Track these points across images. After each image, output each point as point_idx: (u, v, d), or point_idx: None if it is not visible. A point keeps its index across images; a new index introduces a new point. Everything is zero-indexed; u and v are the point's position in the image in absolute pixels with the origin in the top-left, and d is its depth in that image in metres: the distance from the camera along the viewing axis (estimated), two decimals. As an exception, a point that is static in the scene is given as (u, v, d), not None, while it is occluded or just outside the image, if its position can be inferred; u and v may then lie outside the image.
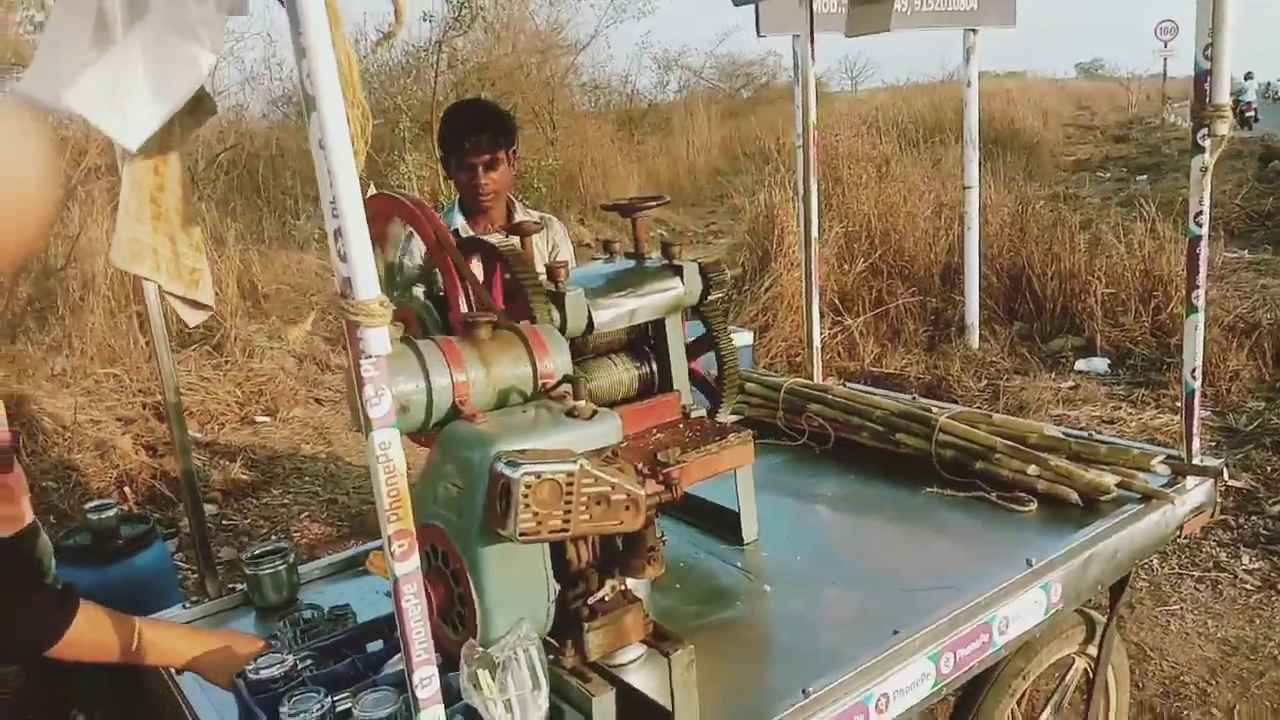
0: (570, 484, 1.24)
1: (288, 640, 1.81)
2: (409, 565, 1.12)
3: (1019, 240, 7.38)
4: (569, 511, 1.25)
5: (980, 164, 6.80)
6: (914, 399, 2.89)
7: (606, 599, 1.42)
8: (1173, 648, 3.47)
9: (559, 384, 1.51)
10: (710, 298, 2.20)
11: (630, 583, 1.71)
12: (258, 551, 2.13)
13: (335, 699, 1.46)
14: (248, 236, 9.02)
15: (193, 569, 4.13)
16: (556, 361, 1.56)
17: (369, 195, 2.08)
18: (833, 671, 1.62)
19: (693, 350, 2.25)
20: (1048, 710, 2.44)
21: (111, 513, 3.22)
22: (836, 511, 2.40)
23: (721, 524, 2.27)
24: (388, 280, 2.09)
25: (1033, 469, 2.30)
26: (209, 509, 4.71)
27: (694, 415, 2.18)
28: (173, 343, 6.39)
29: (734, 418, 3.00)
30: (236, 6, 1.19)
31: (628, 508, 1.29)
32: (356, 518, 4.87)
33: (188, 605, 2.12)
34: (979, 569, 1.96)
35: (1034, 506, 2.26)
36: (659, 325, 2.15)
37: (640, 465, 1.43)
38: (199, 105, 1.88)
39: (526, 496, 1.22)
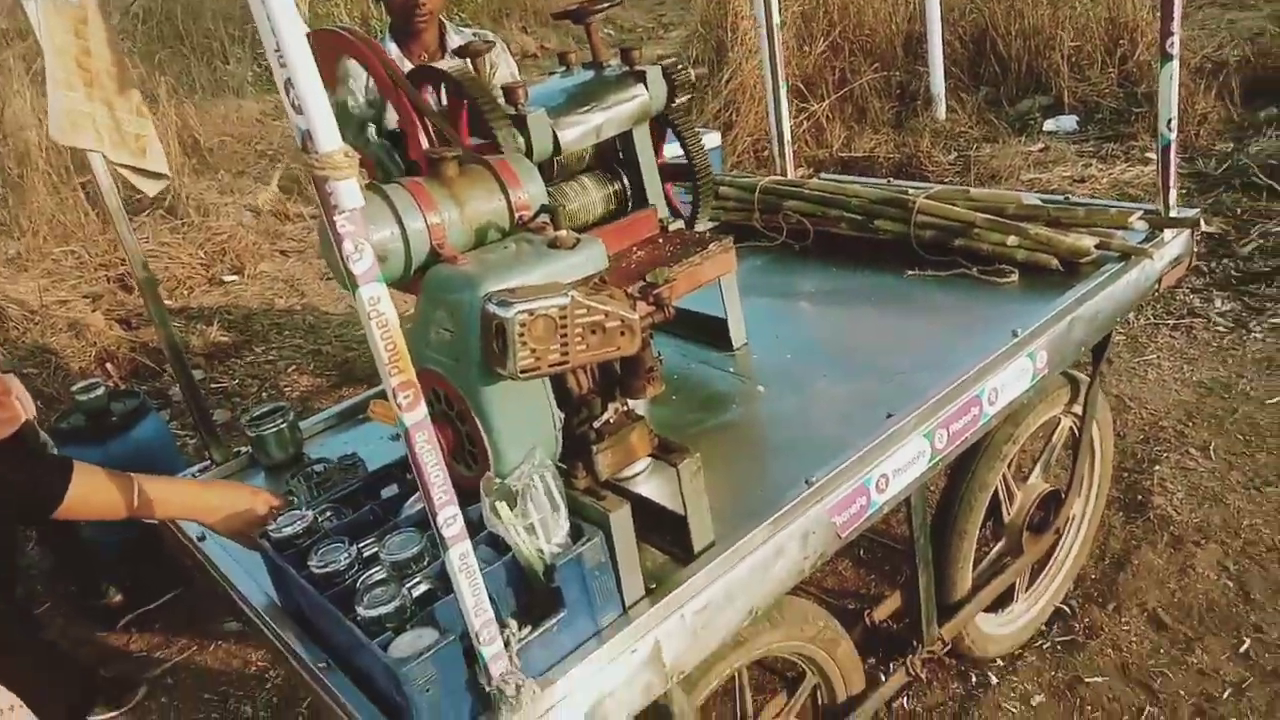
0: (564, 317, 1.24)
1: (303, 495, 1.85)
2: (417, 415, 1.13)
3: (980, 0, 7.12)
4: (566, 344, 1.25)
5: (938, -79, 6.45)
6: (888, 182, 2.85)
7: (611, 420, 1.44)
8: (1151, 395, 3.62)
9: (536, 215, 1.47)
10: (676, 102, 2.12)
11: (631, 402, 1.74)
12: (257, 413, 2.14)
13: (360, 546, 1.51)
14: (180, 89, 8.57)
15: (190, 436, 4.18)
16: (530, 191, 1.52)
17: (316, 32, 1.95)
18: (833, 459, 1.69)
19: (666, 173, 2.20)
20: (1037, 469, 2.57)
21: (100, 391, 3.22)
22: (821, 306, 2.42)
23: (710, 332, 2.28)
24: (343, 124, 2.00)
25: (1012, 239, 2.31)
26: (195, 374, 4.71)
27: (672, 228, 2.16)
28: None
29: (710, 225, 2.98)
30: None
31: (623, 333, 1.29)
32: (343, 365, 4.89)
33: (197, 474, 2.15)
34: (966, 345, 2.01)
35: (1015, 277, 2.28)
36: (626, 138, 2.09)
37: (629, 288, 1.42)
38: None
39: (522, 335, 1.21)
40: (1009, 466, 2.38)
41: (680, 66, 2.09)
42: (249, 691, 2.94)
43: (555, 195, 2.03)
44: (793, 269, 2.62)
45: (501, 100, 1.87)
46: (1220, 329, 3.96)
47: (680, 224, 2.22)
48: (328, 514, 1.67)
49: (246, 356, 5.10)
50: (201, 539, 1.86)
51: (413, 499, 1.63)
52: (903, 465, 1.76)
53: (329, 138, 0.99)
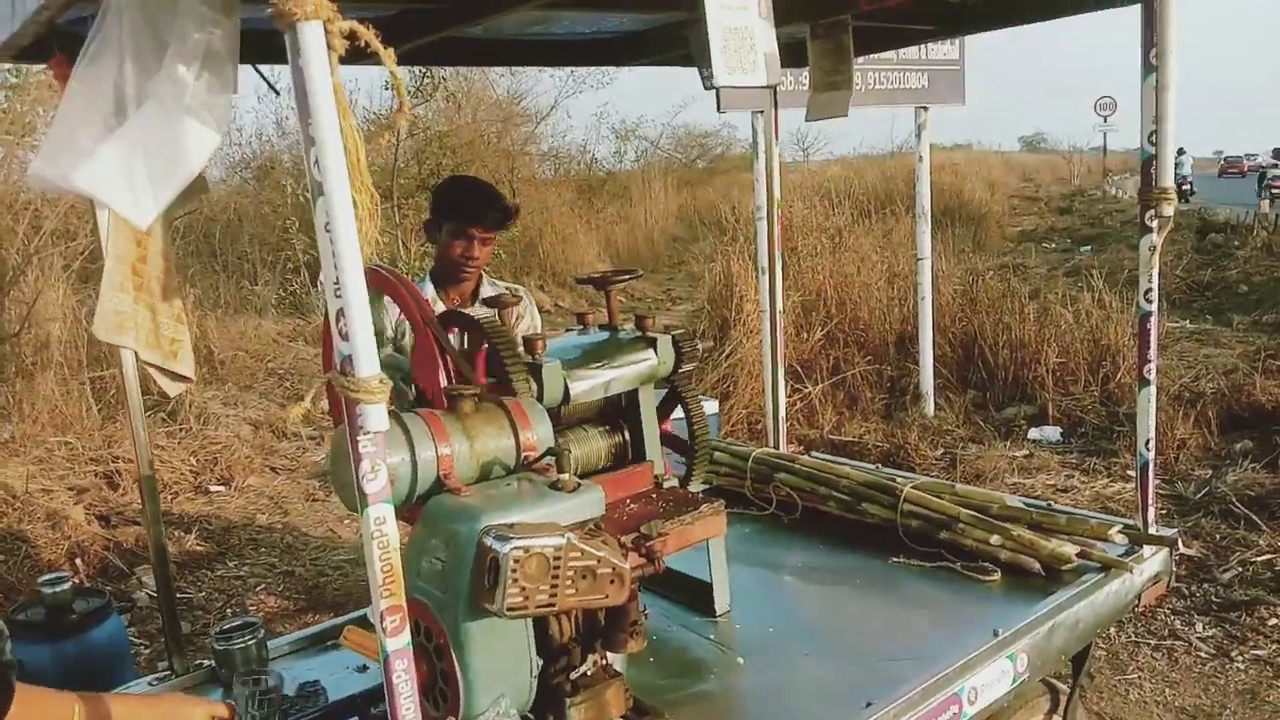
0: (558, 558, 1.26)
1: (250, 714, 1.77)
2: (400, 641, 1.13)
3: (970, 310, 7.58)
4: (556, 586, 1.27)
5: (931, 235, 7.01)
6: (878, 469, 2.94)
7: (589, 673, 1.43)
8: (1132, 717, 3.52)
9: (542, 456, 1.53)
10: (683, 369, 2.25)
11: (610, 656, 1.72)
12: (226, 627, 2.10)
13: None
14: (205, 302, 8.94)
15: (145, 645, 4.02)
16: (539, 433, 1.59)
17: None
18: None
19: (660, 412, 2.29)
20: (1015, 781, 2.46)
21: (66, 586, 3.13)
22: (806, 581, 2.43)
23: (693, 595, 2.28)
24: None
25: (996, 539, 2.36)
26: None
27: (666, 485, 2.22)
28: (120, 410, 6.30)
29: (703, 487, 3.04)
30: (228, 85, 1.23)
31: (613, 581, 1.31)
32: (314, 590, 4.78)
33: (153, 684, 2.07)
34: (947, 639, 2.00)
35: (998, 576, 2.31)
36: (632, 395, 2.19)
37: (623, 538, 1.45)
38: (191, 184, 1.91)
39: (515, 571, 1.24)
40: (987, 774, 2.29)
41: (689, 337, 2.23)
42: None
43: (561, 440, 2.11)
44: (780, 541, 2.65)
45: (521, 349, 2.00)
46: (1202, 654, 3.91)
47: (674, 482, 2.28)
48: (281, 742, 1.61)
49: (218, 569, 5.00)
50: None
51: (373, 733, 1.57)
52: (876, 757, 1.71)
53: (368, 364, 1.07)
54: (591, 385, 2.06)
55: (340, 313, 1.06)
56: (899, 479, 2.63)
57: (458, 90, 14.74)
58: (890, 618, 2.20)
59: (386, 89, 13.56)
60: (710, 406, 4.84)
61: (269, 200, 13.01)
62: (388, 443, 1.46)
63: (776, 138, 3.34)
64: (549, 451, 1.53)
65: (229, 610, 4.57)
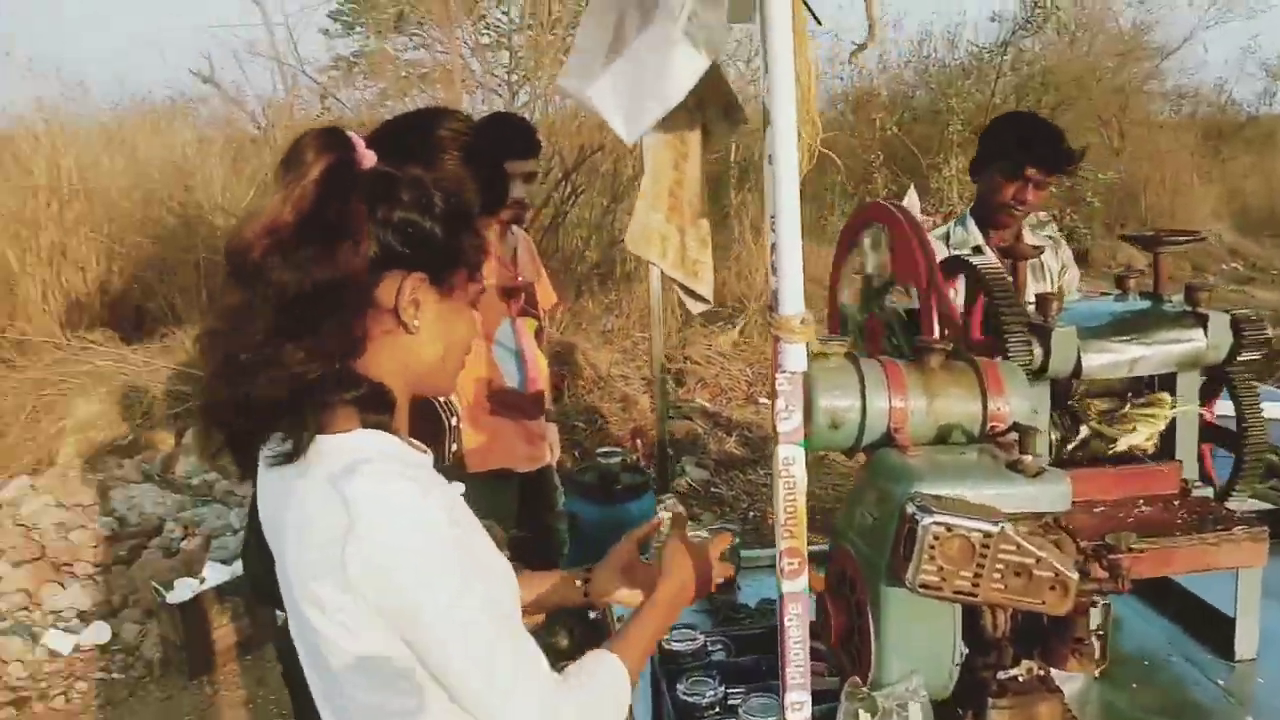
0: (986, 546, 1.13)
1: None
2: (796, 585, 1.11)
3: None
4: (980, 576, 1.14)
5: None
6: None
7: (1020, 679, 1.27)
8: None
9: (1008, 430, 1.37)
10: (1240, 358, 1.85)
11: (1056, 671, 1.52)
12: (713, 526, 2.27)
13: (729, 691, 1.51)
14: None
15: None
16: (1012, 403, 1.42)
17: (866, 202, 2.08)
18: None
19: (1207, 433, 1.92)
20: None
21: (616, 460, 3.66)
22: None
23: (1209, 627, 1.90)
24: (863, 289, 2.08)
25: None
26: (700, 474, 5.12)
27: (1195, 494, 1.86)
28: (699, 320, 7.04)
29: (1260, 506, 2.51)
30: (720, 10, 1.25)
31: (1053, 588, 1.14)
32: (826, 512, 4.95)
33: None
34: None
35: None
36: (1168, 381, 1.86)
37: (1084, 542, 1.25)
38: (730, 113, 2.02)
39: (933, 548, 1.13)
40: None
41: (1256, 320, 1.81)
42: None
43: (1064, 418, 1.88)
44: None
45: (1032, 308, 1.80)
46: None
47: (1209, 493, 1.91)
48: (719, 645, 1.70)
49: (750, 474, 5.40)
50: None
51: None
52: None
53: (792, 302, 1.04)
54: (1112, 361, 1.79)
55: (773, 246, 1.04)
56: None
57: (1072, 21, 13.47)
58: None
59: (993, 20, 12.94)
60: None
61: (860, 134, 13.30)
62: (840, 385, 1.43)
63: None
64: (1014, 426, 1.36)
65: (751, 513, 4.94)
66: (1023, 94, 13.28)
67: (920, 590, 1.16)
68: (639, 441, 5.43)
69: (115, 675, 3.63)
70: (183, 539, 4.37)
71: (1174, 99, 16.03)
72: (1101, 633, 1.32)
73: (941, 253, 2.45)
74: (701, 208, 2.15)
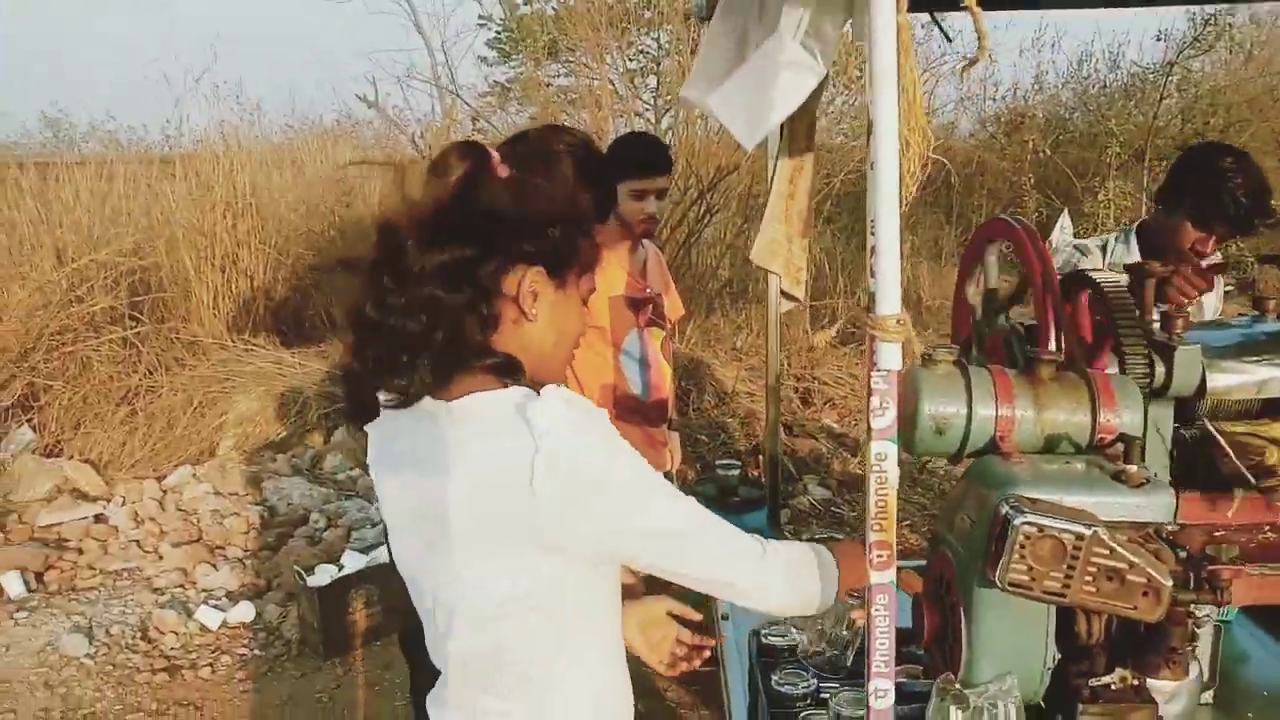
0: (1078, 549, 1.14)
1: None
2: (885, 576, 1.15)
3: None
4: (1071, 578, 1.15)
5: None
6: None
7: (1113, 687, 1.27)
8: None
9: (1115, 440, 1.37)
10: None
11: (1176, 685, 1.50)
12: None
13: (824, 683, 1.55)
14: (922, 250, 9.36)
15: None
16: (1123, 417, 1.42)
17: (994, 217, 2.08)
18: None
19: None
20: None
21: (735, 473, 3.71)
22: None
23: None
24: (985, 303, 2.08)
25: None
26: (822, 493, 5.10)
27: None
28: (833, 340, 7.02)
29: None
30: (837, 24, 1.30)
31: (1146, 594, 1.14)
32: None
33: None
34: None
35: None
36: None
37: (1186, 553, 1.24)
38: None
39: (1023, 547, 1.15)
40: None
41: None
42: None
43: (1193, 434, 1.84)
44: None
45: (1157, 325, 1.77)
46: None
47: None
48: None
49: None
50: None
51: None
52: None
53: (889, 303, 1.09)
54: (1239, 382, 1.74)
55: (872, 249, 1.09)
56: None
57: (1246, 39, 12.73)
58: None
59: (1159, 40, 12.36)
60: None
61: (1012, 155, 12.90)
62: (947, 392, 1.46)
63: None
64: (1120, 437, 1.36)
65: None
66: (1188, 116, 12.60)
67: (1009, 589, 1.18)
68: (760, 458, 5.46)
69: (257, 652, 3.90)
70: (326, 529, 4.66)
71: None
72: (1194, 645, 1.30)
73: (1098, 264, 2.38)
74: (808, 218, 2.21)
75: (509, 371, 1.20)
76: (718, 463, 3.73)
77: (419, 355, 1.15)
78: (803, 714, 1.47)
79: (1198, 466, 1.85)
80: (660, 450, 3.27)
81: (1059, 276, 1.89)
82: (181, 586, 4.30)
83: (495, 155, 1.28)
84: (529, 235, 1.20)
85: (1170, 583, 1.14)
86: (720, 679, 1.97)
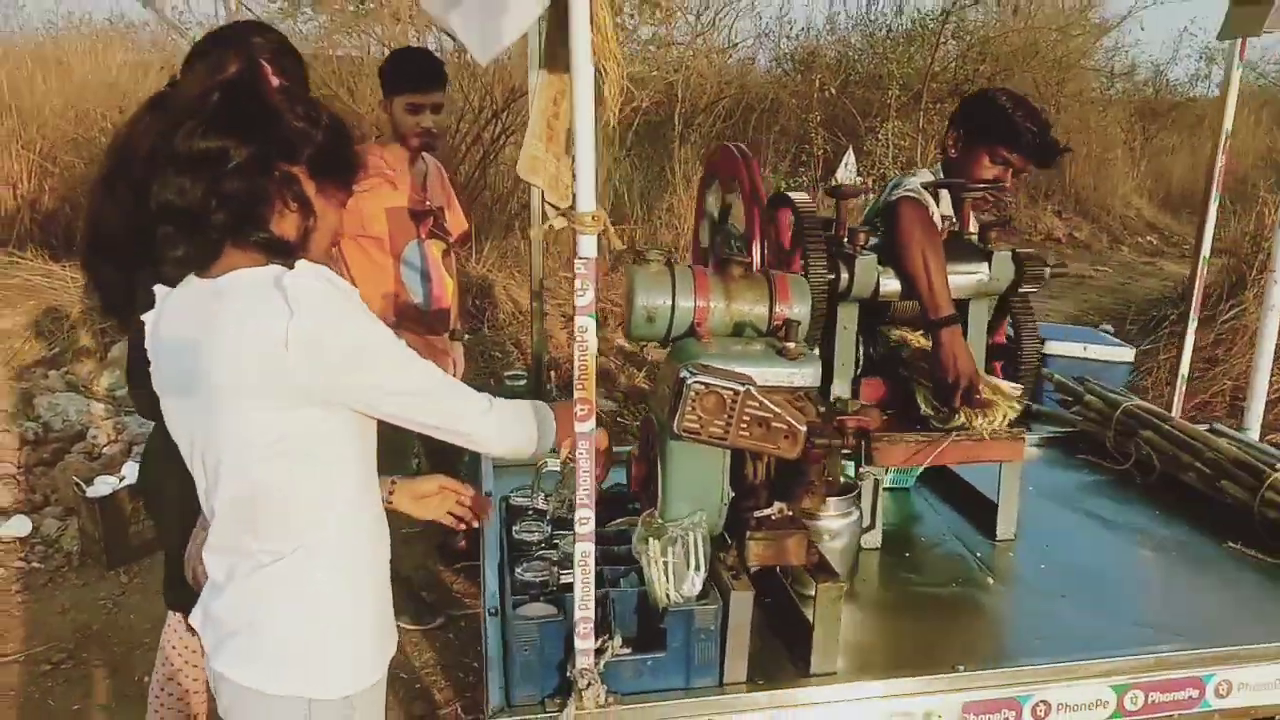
0: (734, 402, 1.45)
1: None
2: (586, 427, 1.41)
3: None
4: (729, 425, 1.46)
5: None
6: (1264, 448, 2.54)
7: (773, 518, 1.60)
8: None
9: (784, 325, 1.69)
10: (1021, 290, 2.19)
11: (840, 525, 1.88)
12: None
13: (558, 534, 1.82)
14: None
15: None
16: (795, 309, 1.74)
17: (715, 147, 2.38)
18: (990, 662, 1.66)
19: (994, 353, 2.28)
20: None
21: (522, 383, 3.95)
22: (1117, 539, 2.27)
23: (982, 515, 2.27)
24: (711, 220, 2.39)
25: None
26: (609, 405, 5.44)
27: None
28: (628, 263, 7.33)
29: (1058, 430, 2.90)
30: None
31: (786, 436, 1.47)
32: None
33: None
34: (1228, 626, 1.81)
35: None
36: (960, 307, 2.19)
37: (822, 408, 1.58)
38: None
39: (694, 401, 1.45)
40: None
41: (1037, 259, 2.15)
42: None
43: (880, 333, 2.23)
44: (1119, 497, 2.47)
45: (847, 240, 2.12)
46: None
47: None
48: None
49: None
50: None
51: (619, 520, 1.90)
52: (1072, 703, 1.66)
53: (586, 201, 1.34)
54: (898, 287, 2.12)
55: (573, 159, 1.33)
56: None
57: (1012, -8, 13.84)
58: (1182, 596, 2.01)
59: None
60: (1122, 353, 4.37)
61: (803, 94, 13.55)
62: (657, 286, 1.73)
63: None
64: (786, 321, 1.68)
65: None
66: (962, 63, 13.64)
67: (685, 435, 1.48)
68: (552, 372, 5.73)
69: (36, 564, 3.85)
70: (106, 445, 4.57)
71: (1109, 77, 16.54)
72: (830, 477, 1.64)
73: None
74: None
75: (277, 250, 1.35)
76: (506, 374, 3.95)
77: (192, 233, 1.30)
78: (536, 552, 1.74)
79: (890, 362, 2.25)
80: (443, 359, 3.44)
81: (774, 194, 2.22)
82: (-54, 506, 4.15)
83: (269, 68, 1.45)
84: (300, 139, 1.35)
85: (805, 428, 1.47)
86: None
